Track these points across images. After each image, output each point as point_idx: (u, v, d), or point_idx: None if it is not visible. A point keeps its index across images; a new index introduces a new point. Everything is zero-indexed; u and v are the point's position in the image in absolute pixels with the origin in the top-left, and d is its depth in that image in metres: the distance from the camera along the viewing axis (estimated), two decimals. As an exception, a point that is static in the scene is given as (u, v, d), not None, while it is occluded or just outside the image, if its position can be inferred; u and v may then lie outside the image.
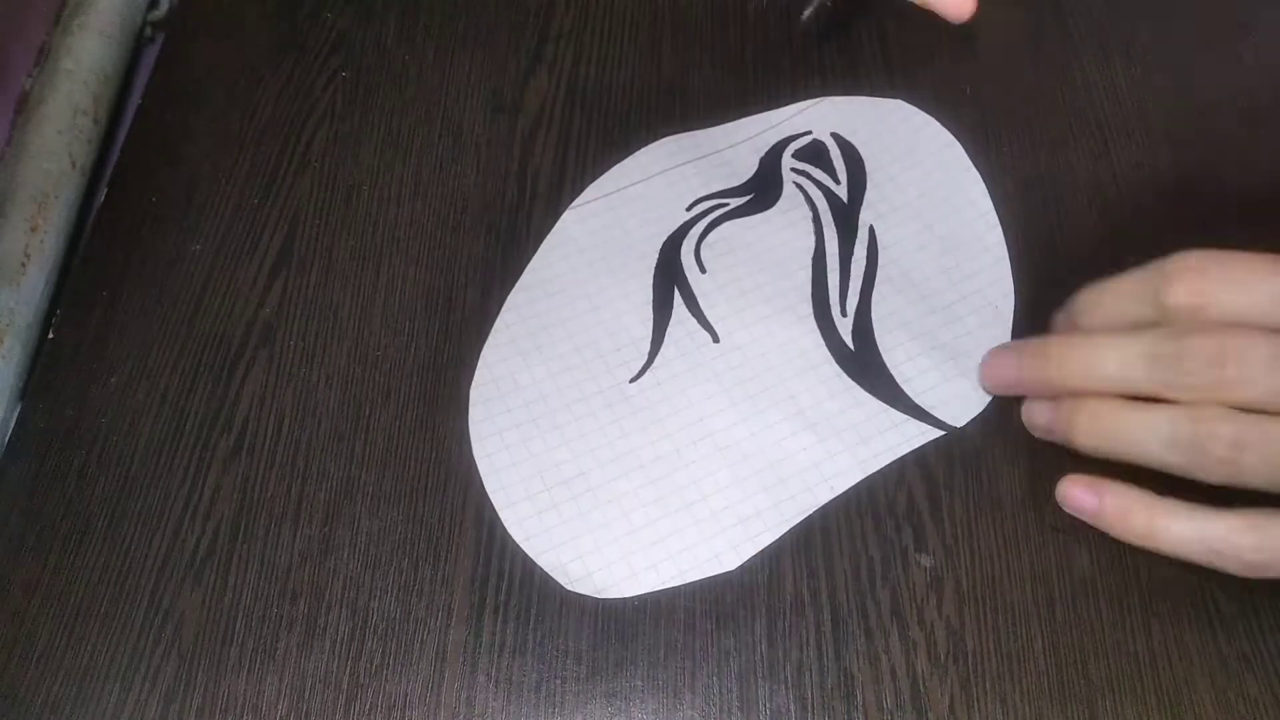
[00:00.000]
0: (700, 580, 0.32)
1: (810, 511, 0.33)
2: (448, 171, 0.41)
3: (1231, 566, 0.29)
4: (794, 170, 0.40)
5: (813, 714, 0.30)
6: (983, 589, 0.32)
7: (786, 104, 0.42)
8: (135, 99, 0.45)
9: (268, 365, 0.36)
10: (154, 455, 0.35)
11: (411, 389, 0.36)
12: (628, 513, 0.33)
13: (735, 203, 0.39)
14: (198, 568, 0.33)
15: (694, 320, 0.37)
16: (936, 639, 0.31)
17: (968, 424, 0.34)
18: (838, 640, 0.31)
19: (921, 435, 0.34)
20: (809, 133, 0.41)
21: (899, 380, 0.35)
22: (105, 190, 0.41)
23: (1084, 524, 0.32)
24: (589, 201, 0.39)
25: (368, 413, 0.35)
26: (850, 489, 0.33)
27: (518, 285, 0.38)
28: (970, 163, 0.40)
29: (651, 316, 0.37)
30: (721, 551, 0.32)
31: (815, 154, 0.40)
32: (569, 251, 0.38)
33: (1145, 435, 0.29)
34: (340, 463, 0.34)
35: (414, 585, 0.32)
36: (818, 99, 0.42)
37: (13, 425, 0.36)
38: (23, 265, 0.38)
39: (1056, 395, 0.32)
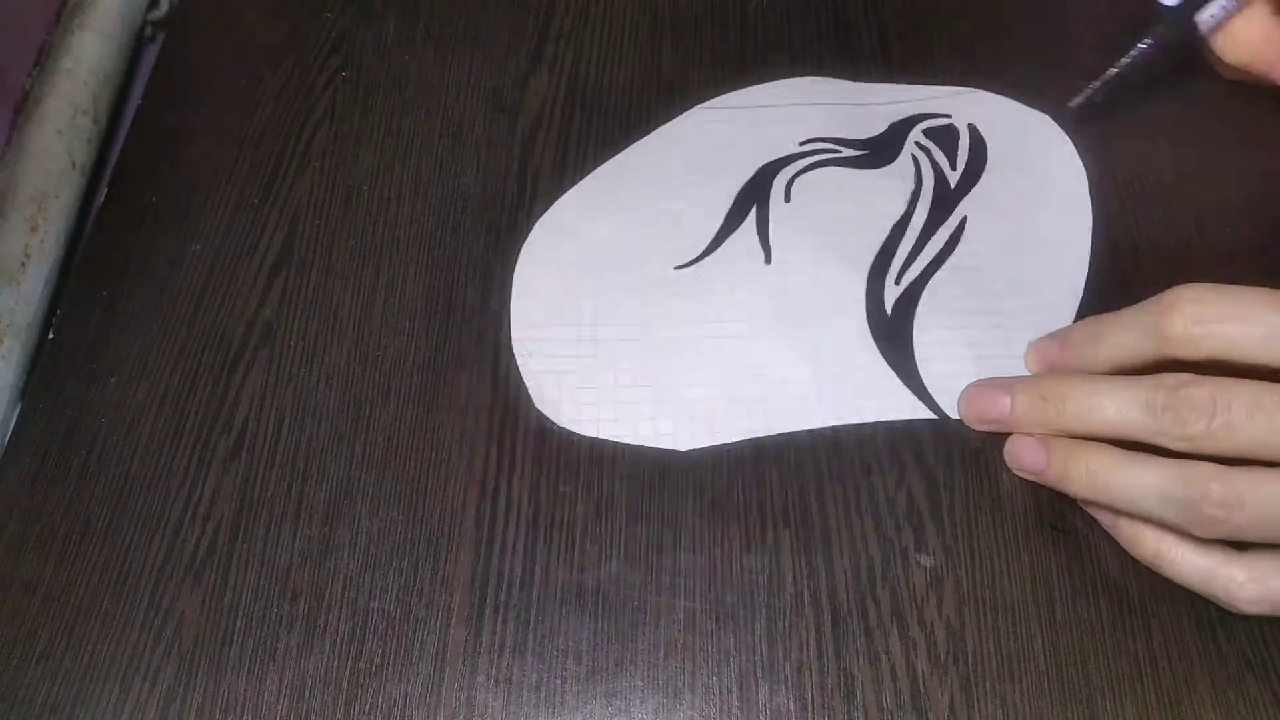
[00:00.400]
0: (647, 449, 0.34)
1: (773, 432, 0.34)
2: (448, 171, 0.41)
3: (1231, 608, 0.30)
4: (918, 144, 0.40)
5: (813, 714, 0.30)
6: (983, 589, 0.32)
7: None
8: (135, 99, 0.45)
9: (268, 365, 0.36)
10: (154, 455, 0.35)
11: (411, 389, 0.36)
12: (618, 369, 0.36)
13: (848, 153, 0.40)
14: (198, 568, 0.33)
15: (756, 238, 0.38)
16: (936, 639, 0.31)
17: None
18: (838, 640, 0.31)
19: (912, 410, 0.34)
20: (948, 116, 0.41)
21: (918, 358, 0.35)
22: (105, 190, 0.41)
23: (1084, 524, 0.32)
24: (717, 108, 0.41)
25: (368, 413, 0.35)
26: (850, 489, 0.33)
27: (618, 155, 0.40)
28: (1089, 199, 0.39)
29: (721, 221, 0.38)
30: (678, 431, 0.34)
31: (945, 136, 0.40)
32: (678, 146, 0.40)
33: (1140, 493, 0.29)
34: (340, 463, 0.34)
35: (414, 585, 0.32)
36: (970, 88, 0.42)
37: (13, 425, 0.36)
38: (23, 265, 0.38)
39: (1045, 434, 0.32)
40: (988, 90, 0.42)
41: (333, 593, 0.32)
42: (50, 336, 0.38)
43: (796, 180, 0.39)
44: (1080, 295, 0.37)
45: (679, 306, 0.37)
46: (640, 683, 0.30)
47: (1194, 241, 0.38)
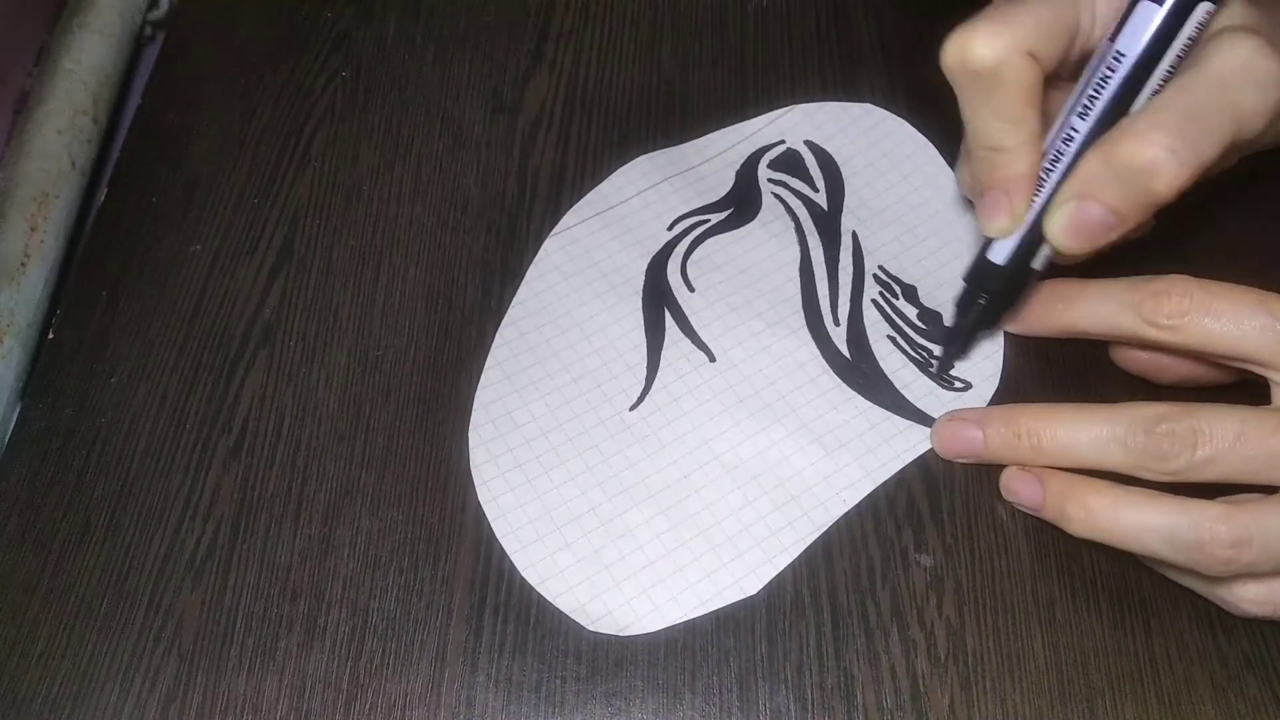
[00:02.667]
0: (725, 607, 0.31)
1: (826, 528, 0.32)
2: (448, 171, 0.41)
3: (1231, 609, 0.30)
4: (771, 181, 0.40)
5: (813, 714, 0.30)
6: (983, 589, 0.32)
7: (774, 109, 0.42)
8: (135, 99, 0.45)
9: (268, 365, 0.36)
10: (154, 455, 0.35)
11: (411, 389, 0.36)
12: (642, 545, 0.32)
13: (716, 218, 0.39)
14: (198, 568, 0.33)
15: (688, 341, 0.36)
16: (936, 639, 0.31)
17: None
18: (838, 640, 0.31)
19: (925, 441, 0.34)
20: (782, 142, 0.41)
21: (898, 386, 0.35)
22: (105, 190, 0.41)
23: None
24: (569, 228, 0.39)
25: (368, 413, 0.35)
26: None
27: (505, 319, 0.37)
28: (945, 162, 0.39)
29: (645, 340, 0.36)
30: (741, 577, 0.32)
31: (791, 163, 0.40)
32: (554, 280, 0.38)
33: (1145, 536, 0.29)
34: (340, 463, 0.34)
35: (414, 585, 0.32)
36: (788, 107, 0.42)
37: (13, 425, 0.36)
38: (23, 265, 0.38)
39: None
40: (802, 103, 0.42)
41: (333, 593, 0.32)
42: (50, 336, 0.38)
43: (687, 265, 0.38)
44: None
45: (659, 449, 0.34)
46: (640, 683, 0.30)
47: None
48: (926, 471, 0.33)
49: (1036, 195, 0.31)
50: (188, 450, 0.35)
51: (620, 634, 0.31)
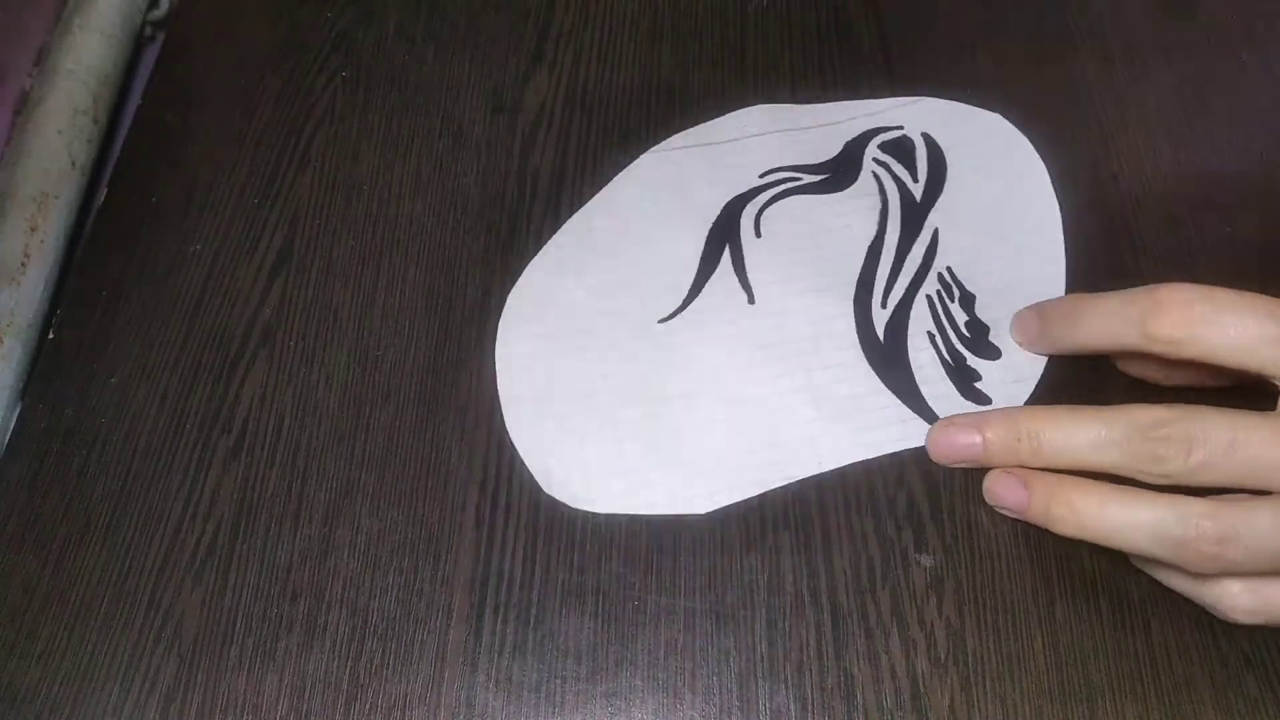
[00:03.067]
0: (667, 516, 0.33)
1: (792, 480, 0.33)
2: (448, 171, 0.41)
3: (1226, 619, 0.30)
4: (876, 160, 0.40)
5: (813, 714, 0.30)
6: (983, 589, 0.32)
7: (795, 102, 0.42)
8: (135, 99, 0.45)
9: (268, 365, 0.36)
10: (154, 455, 0.35)
11: (411, 389, 0.36)
12: (622, 439, 0.34)
13: (809, 179, 0.40)
14: (198, 568, 0.33)
15: (735, 278, 0.37)
16: (936, 639, 0.31)
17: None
18: (838, 640, 0.31)
19: (922, 436, 0.34)
20: (900, 128, 0.41)
21: (918, 381, 0.35)
22: (105, 190, 0.41)
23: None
24: (671, 149, 0.40)
25: (368, 413, 0.35)
26: (850, 489, 0.33)
27: (582, 210, 0.39)
28: (1052, 190, 0.39)
29: (697, 266, 0.38)
30: (695, 495, 0.33)
31: (901, 149, 0.40)
32: (638, 191, 0.40)
33: (1131, 533, 0.29)
34: (340, 463, 0.34)
35: (414, 585, 0.32)
36: (917, 97, 0.42)
37: (13, 425, 0.36)
38: (23, 265, 0.38)
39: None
40: (935, 97, 0.41)
41: (333, 593, 0.32)
42: (50, 336, 0.38)
43: (764, 214, 0.39)
44: (1063, 283, 0.37)
45: (670, 363, 0.36)
46: (640, 683, 0.30)
47: (1160, 226, 0.38)
48: (926, 471, 0.33)
49: None
50: (188, 450, 0.35)
51: (570, 504, 0.33)
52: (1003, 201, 0.39)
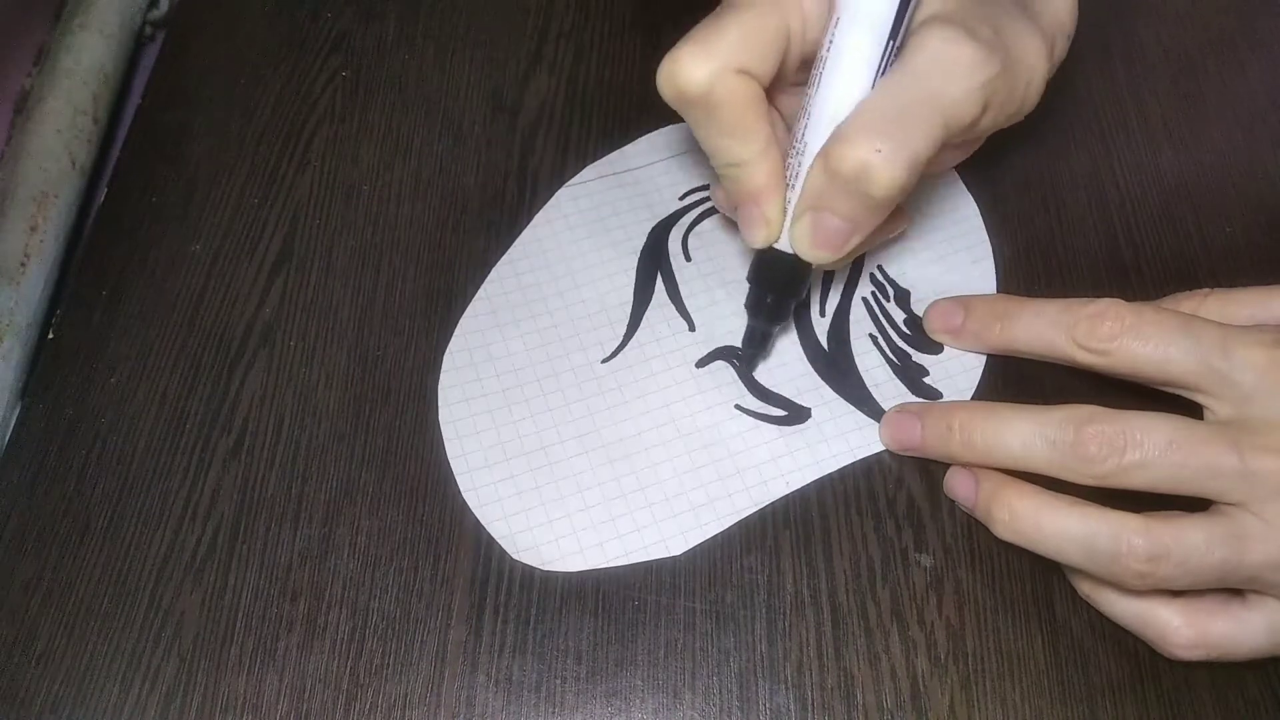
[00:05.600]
0: (644, 562, 0.32)
1: (762, 505, 0.33)
2: (448, 171, 0.41)
3: (1165, 653, 0.30)
4: None
5: (813, 714, 0.30)
6: (983, 589, 0.32)
7: None
8: (135, 99, 0.45)
9: (268, 365, 0.36)
10: (154, 455, 0.35)
11: (411, 389, 0.36)
12: (583, 490, 0.33)
13: None
14: (198, 568, 0.33)
15: (672, 307, 0.37)
16: (936, 639, 0.31)
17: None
18: (838, 640, 0.31)
19: (880, 441, 0.34)
20: None
21: (869, 385, 0.35)
22: (105, 190, 0.41)
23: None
24: (585, 181, 0.40)
25: (368, 413, 0.35)
26: (850, 489, 0.33)
27: (504, 257, 0.38)
28: (964, 182, 0.39)
29: (631, 299, 0.37)
30: (669, 536, 0.33)
31: None
32: (559, 228, 0.39)
33: (1063, 544, 0.29)
34: (340, 463, 0.34)
35: (414, 585, 0.32)
36: None
37: (13, 425, 0.36)
38: (23, 265, 0.38)
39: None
40: None
41: (333, 593, 0.32)
42: (50, 336, 0.38)
43: (690, 235, 0.38)
44: (993, 268, 0.37)
45: (618, 402, 0.35)
46: (640, 683, 0.30)
47: (1160, 226, 0.38)
48: (926, 471, 0.34)
49: (791, 196, 0.31)
50: (188, 450, 0.35)
51: (541, 567, 0.32)
52: (921, 197, 0.38)
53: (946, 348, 0.36)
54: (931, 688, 0.30)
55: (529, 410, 0.35)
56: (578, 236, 0.38)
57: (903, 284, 0.37)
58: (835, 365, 0.35)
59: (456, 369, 0.36)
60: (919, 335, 0.36)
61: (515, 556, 0.32)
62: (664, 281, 0.37)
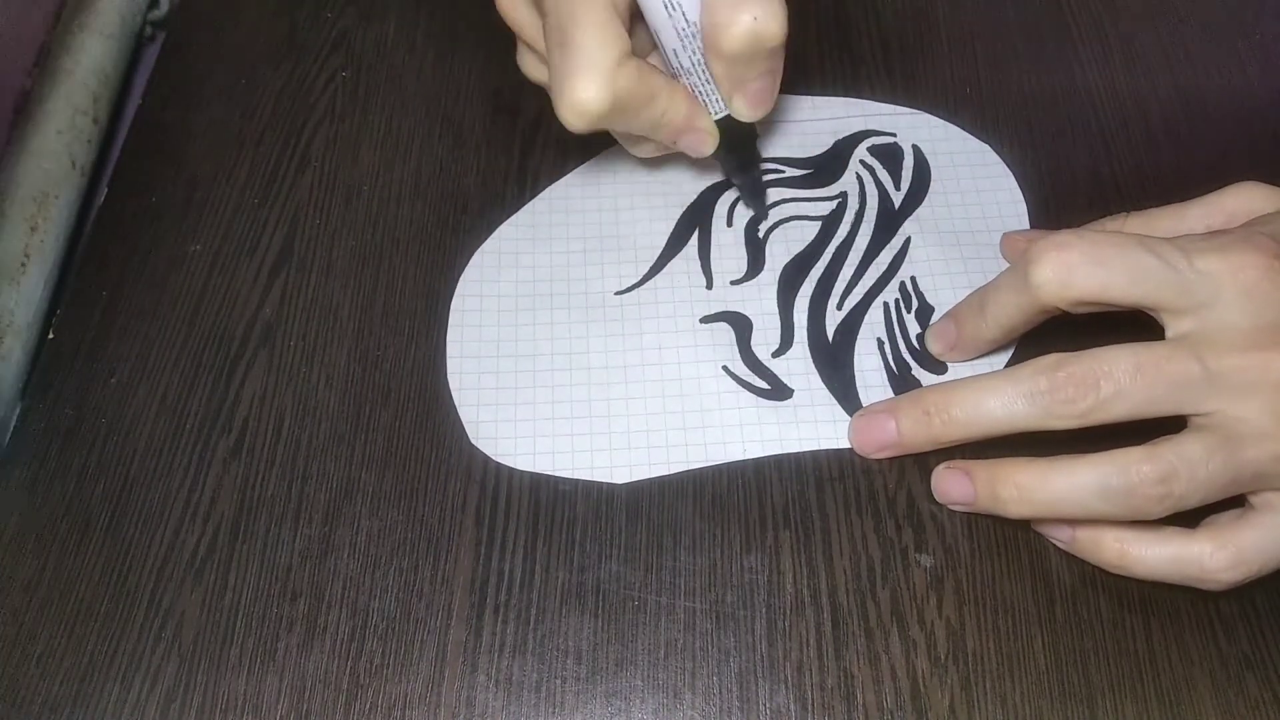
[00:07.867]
0: (584, 481, 0.33)
1: (713, 463, 0.34)
2: (448, 171, 0.41)
3: (1211, 586, 0.30)
4: (862, 162, 0.40)
5: (813, 714, 0.30)
6: (983, 589, 0.32)
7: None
8: (135, 99, 0.45)
9: (268, 365, 0.36)
10: (154, 455, 0.35)
11: (411, 389, 0.36)
12: (555, 402, 0.35)
13: (791, 172, 0.40)
14: (198, 568, 0.33)
15: (698, 262, 0.38)
16: (936, 639, 0.31)
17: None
18: (838, 640, 0.31)
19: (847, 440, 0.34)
20: (894, 135, 0.41)
21: (859, 386, 0.35)
22: (105, 190, 0.41)
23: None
24: None
25: (368, 413, 0.35)
26: (850, 489, 0.33)
27: (562, 180, 0.40)
28: (1028, 223, 0.39)
29: (663, 245, 0.38)
30: (618, 465, 0.34)
31: (890, 156, 0.40)
32: (618, 167, 0.40)
33: (1079, 495, 0.29)
34: (340, 463, 0.34)
35: (414, 585, 0.32)
36: (917, 110, 0.41)
37: (13, 425, 0.36)
38: (23, 265, 0.38)
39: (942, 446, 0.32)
40: (934, 114, 0.41)
41: (333, 593, 0.32)
42: (50, 336, 0.38)
43: (739, 205, 0.39)
44: None
45: (617, 333, 0.36)
46: (640, 683, 0.30)
47: None
48: (927, 471, 0.33)
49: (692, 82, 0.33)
50: (188, 450, 0.35)
51: (492, 457, 0.34)
52: (978, 226, 0.39)
53: (950, 370, 0.35)
54: (931, 688, 0.30)
55: (533, 318, 0.37)
56: (634, 178, 0.40)
57: (929, 300, 0.37)
58: (834, 358, 0.36)
59: (482, 265, 0.38)
60: (928, 353, 0.36)
61: (474, 441, 0.34)
62: (699, 237, 0.38)
